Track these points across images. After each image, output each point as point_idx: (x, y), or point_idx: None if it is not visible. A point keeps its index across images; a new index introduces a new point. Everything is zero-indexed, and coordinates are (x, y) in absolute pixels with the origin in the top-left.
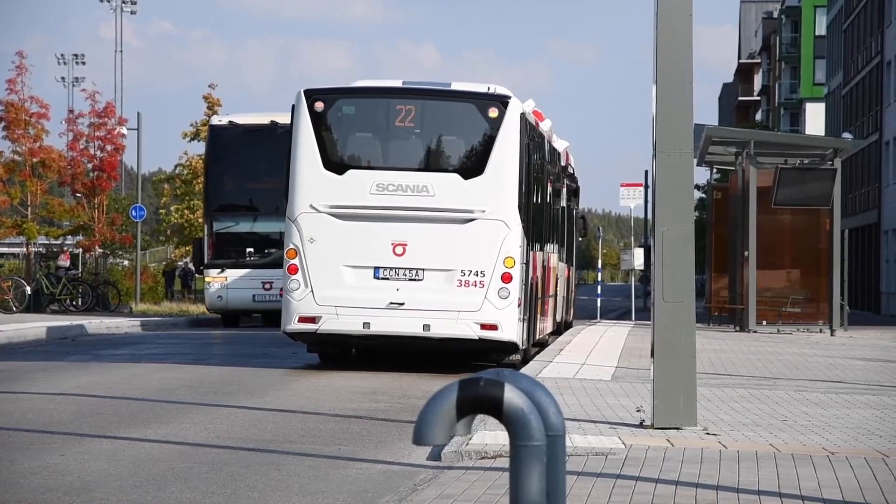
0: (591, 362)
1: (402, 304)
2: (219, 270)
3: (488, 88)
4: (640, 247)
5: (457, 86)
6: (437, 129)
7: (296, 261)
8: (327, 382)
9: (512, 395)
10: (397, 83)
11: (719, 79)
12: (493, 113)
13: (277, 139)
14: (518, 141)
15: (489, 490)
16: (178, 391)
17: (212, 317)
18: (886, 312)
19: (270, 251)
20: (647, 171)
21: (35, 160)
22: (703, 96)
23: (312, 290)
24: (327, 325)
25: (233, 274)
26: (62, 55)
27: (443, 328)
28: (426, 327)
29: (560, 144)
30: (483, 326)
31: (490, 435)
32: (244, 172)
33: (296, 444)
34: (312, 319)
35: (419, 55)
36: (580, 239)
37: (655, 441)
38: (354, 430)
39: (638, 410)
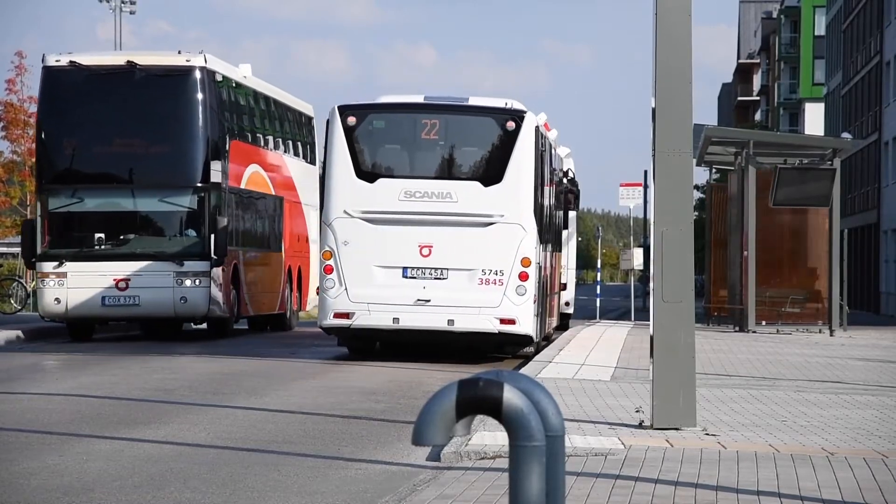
0: (590, 362)
1: (429, 300)
2: (56, 264)
3: (506, 103)
4: (639, 247)
5: (474, 100)
6: (459, 140)
7: (331, 262)
8: (327, 382)
9: (511, 396)
10: (419, 98)
11: (717, 79)
12: (511, 126)
13: (136, 86)
14: (533, 151)
15: (488, 490)
16: (178, 391)
17: (61, 325)
18: (886, 312)
19: (127, 237)
20: (646, 171)
21: (34, 160)
22: (703, 96)
23: (346, 289)
24: (360, 320)
25: (75, 268)
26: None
27: (466, 323)
28: (450, 322)
29: (562, 151)
30: (502, 321)
31: (489, 435)
32: (91, 130)
33: (295, 445)
34: (346, 315)
35: (415, 56)
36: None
37: (655, 441)
38: (354, 431)
39: (637, 411)
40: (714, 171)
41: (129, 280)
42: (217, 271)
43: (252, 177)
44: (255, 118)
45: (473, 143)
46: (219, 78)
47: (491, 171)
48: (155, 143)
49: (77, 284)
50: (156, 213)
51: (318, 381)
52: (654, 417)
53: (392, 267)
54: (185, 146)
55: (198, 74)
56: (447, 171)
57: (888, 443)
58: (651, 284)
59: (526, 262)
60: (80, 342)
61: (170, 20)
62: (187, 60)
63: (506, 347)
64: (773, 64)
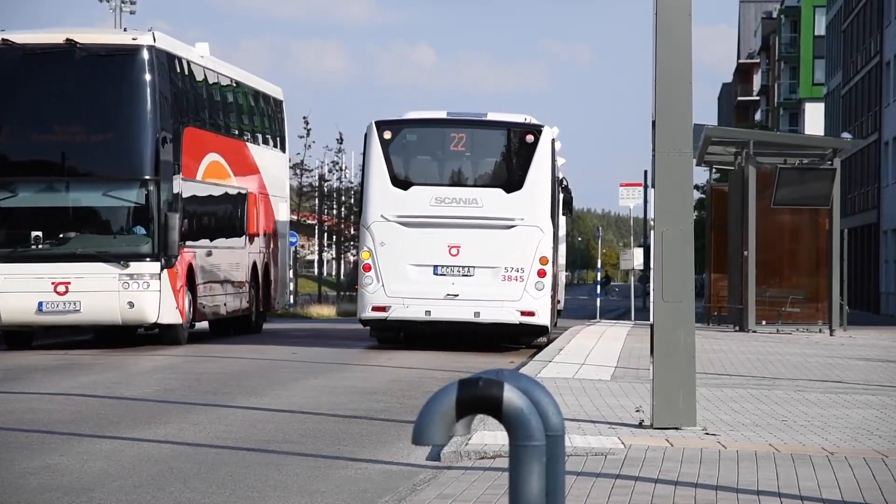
0: (590, 362)
1: (457, 295)
2: None
3: (524, 118)
4: (639, 247)
5: (492, 116)
6: (484, 152)
7: (369, 261)
8: (327, 382)
9: (511, 395)
10: (442, 114)
11: (717, 79)
12: (530, 139)
13: (77, 67)
14: (550, 162)
15: (488, 490)
16: (178, 391)
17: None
18: (886, 312)
19: (67, 235)
20: (646, 171)
21: None
22: (703, 96)
23: (383, 285)
24: (396, 312)
25: (8, 270)
26: None
27: (490, 315)
28: (477, 314)
29: (559, 161)
30: (523, 313)
31: (489, 435)
32: (27, 116)
33: (295, 445)
34: (383, 308)
35: (414, 55)
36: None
37: (655, 441)
38: (354, 430)
39: (637, 410)
40: (714, 171)
41: (68, 283)
42: (169, 273)
43: (210, 167)
44: (213, 102)
45: (497, 155)
46: (170, 58)
47: (512, 180)
48: (98, 131)
49: (10, 288)
50: (99, 208)
51: (319, 380)
52: (654, 417)
53: (424, 265)
54: (131, 134)
55: (145, 54)
56: (473, 179)
57: (888, 442)
58: (651, 284)
59: (544, 260)
60: (17, 351)
61: (169, 20)
62: (133, 39)
63: (521, 338)
64: (773, 64)
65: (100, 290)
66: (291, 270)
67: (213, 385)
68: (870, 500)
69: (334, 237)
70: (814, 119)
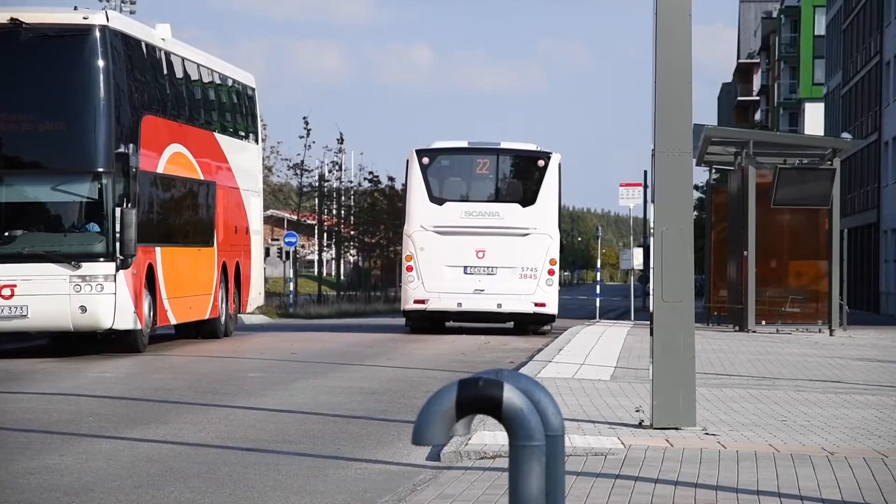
0: (590, 362)
1: (483, 290)
2: None
3: (537, 147)
4: (639, 246)
5: (505, 144)
6: (504, 174)
7: (411, 262)
8: (327, 382)
9: (511, 395)
10: (463, 143)
11: (717, 79)
12: (541, 163)
13: (23, 50)
14: (557, 182)
15: (488, 490)
16: (177, 391)
17: None
18: (885, 312)
19: (13, 233)
20: (646, 171)
21: None
22: (703, 96)
23: (423, 282)
24: (433, 304)
25: None
26: None
27: (510, 305)
28: (499, 305)
29: None
30: (536, 304)
31: (489, 435)
32: None
33: (295, 445)
34: (423, 301)
35: (412, 56)
36: None
37: (654, 441)
38: (354, 430)
39: (637, 410)
40: (714, 171)
41: (14, 286)
42: (125, 274)
43: (172, 159)
44: (176, 88)
45: (515, 176)
46: (126, 39)
47: (527, 196)
48: (47, 119)
49: None
50: (48, 203)
51: (318, 380)
52: (654, 417)
53: (456, 266)
54: (83, 122)
55: (98, 35)
56: (496, 196)
57: (888, 442)
58: (651, 284)
59: (553, 261)
60: None
61: (169, 20)
62: (85, 18)
63: (529, 327)
64: (773, 64)
65: (49, 293)
66: (291, 270)
67: (213, 385)
68: (870, 500)
69: (334, 237)
70: (814, 119)
